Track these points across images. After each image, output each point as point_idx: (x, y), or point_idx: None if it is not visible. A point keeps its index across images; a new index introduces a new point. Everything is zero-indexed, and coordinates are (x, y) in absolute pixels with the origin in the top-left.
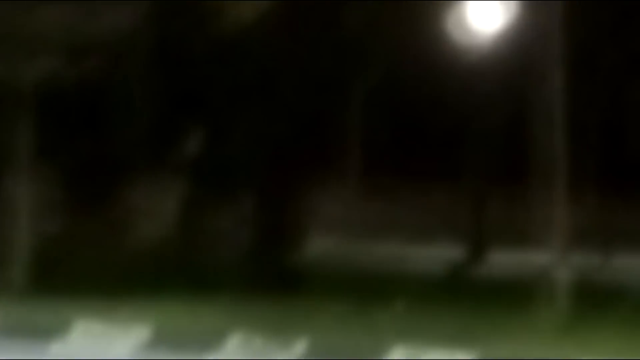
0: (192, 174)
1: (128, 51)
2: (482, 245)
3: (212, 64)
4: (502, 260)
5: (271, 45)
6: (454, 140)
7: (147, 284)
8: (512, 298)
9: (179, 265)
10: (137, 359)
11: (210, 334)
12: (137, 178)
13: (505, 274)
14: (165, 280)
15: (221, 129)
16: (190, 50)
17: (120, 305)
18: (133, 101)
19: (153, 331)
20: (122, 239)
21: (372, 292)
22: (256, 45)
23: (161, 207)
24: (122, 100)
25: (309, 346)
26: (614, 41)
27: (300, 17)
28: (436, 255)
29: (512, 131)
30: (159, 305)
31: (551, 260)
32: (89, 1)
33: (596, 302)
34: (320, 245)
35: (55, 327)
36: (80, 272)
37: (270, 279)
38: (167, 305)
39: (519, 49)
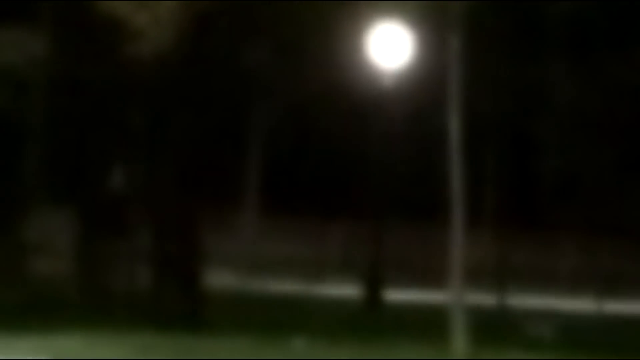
0: (89, 209)
1: (27, 83)
2: (379, 283)
3: (112, 98)
4: (400, 298)
5: (172, 80)
6: (352, 178)
7: (44, 320)
8: (409, 336)
9: (76, 301)
10: None
11: None
12: (33, 213)
13: (402, 312)
14: (63, 315)
15: (118, 163)
16: (90, 86)
17: (17, 340)
18: (29, 133)
19: None
20: (19, 275)
21: (271, 328)
22: (157, 80)
23: (58, 243)
24: (19, 132)
25: None
26: (512, 76)
27: (203, 51)
28: (334, 292)
29: (410, 171)
30: (56, 340)
31: (448, 298)
32: None
33: (492, 341)
34: (219, 282)
35: None
36: None
37: (168, 315)
38: (64, 341)
39: (418, 89)
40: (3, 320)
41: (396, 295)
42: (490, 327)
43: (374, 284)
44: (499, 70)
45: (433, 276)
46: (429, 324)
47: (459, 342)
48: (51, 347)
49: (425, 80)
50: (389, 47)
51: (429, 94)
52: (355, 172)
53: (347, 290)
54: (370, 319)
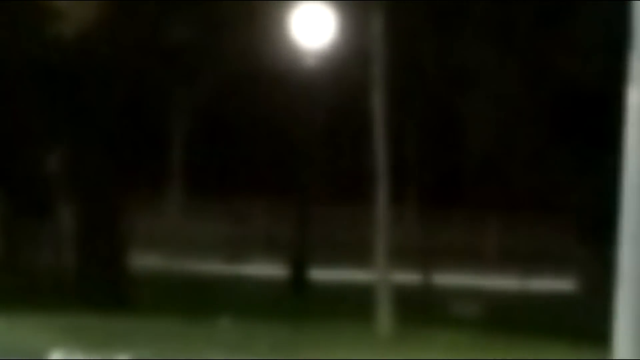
0: (12, 190)
1: None
2: (304, 262)
3: (33, 80)
4: (325, 278)
5: (92, 61)
6: (276, 158)
7: None
8: (334, 316)
9: (0, 281)
10: None
11: (33, 350)
12: None
13: (328, 291)
14: None
15: (40, 144)
16: (14, 67)
17: None
18: None
19: None
20: None
21: (195, 309)
22: (78, 60)
23: None
24: None
25: None
26: (434, 55)
27: (126, 24)
28: (259, 272)
29: (334, 150)
30: None
31: (373, 277)
32: None
33: (418, 319)
34: (143, 263)
35: None
36: None
37: (93, 296)
38: None
39: (341, 70)
40: None
41: (321, 274)
42: (416, 305)
43: (298, 264)
44: (422, 48)
45: (358, 255)
46: (354, 303)
47: (384, 320)
48: None
49: (349, 59)
50: (312, 27)
51: (352, 72)
52: (279, 151)
53: (272, 270)
54: (295, 299)
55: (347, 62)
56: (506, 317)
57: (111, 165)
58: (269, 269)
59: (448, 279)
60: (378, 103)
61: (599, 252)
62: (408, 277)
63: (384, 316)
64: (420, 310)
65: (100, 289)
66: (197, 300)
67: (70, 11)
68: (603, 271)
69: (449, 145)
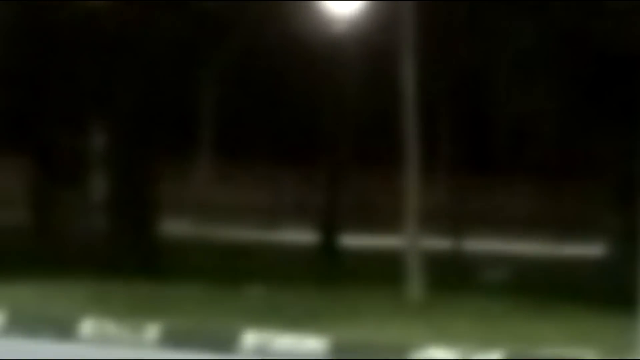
0: (43, 158)
1: None
2: (335, 229)
3: (62, 48)
4: (355, 244)
5: (120, 30)
6: (306, 125)
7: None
8: (364, 282)
9: (31, 250)
10: None
11: (64, 319)
12: None
13: (358, 258)
14: (17, 265)
15: (71, 111)
16: (39, 34)
17: None
18: None
19: (6, 317)
20: None
21: (226, 275)
22: (107, 29)
23: (11, 192)
24: None
25: (163, 330)
26: (466, 21)
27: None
28: (289, 239)
29: (364, 116)
30: (11, 290)
31: (403, 243)
32: None
33: (448, 285)
34: (174, 229)
35: None
36: None
37: (124, 263)
38: (20, 291)
39: (371, 36)
40: None
41: (352, 241)
42: (446, 271)
43: (329, 230)
44: (453, 15)
45: (388, 221)
46: (384, 270)
47: (414, 287)
48: (5, 298)
49: (379, 25)
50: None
51: (382, 39)
52: (309, 118)
53: (302, 236)
54: (325, 265)
55: (377, 29)
56: (537, 283)
57: (141, 133)
58: (299, 235)
59: (478, 245)
60: (408, 69)
61: (630, 219)
62: (438, 243)
63: (414, 282)
64: (451, 276)
65: (131, 256)
66: (227, 267)
67: None
68: (634, 237)
69: (480, 111)
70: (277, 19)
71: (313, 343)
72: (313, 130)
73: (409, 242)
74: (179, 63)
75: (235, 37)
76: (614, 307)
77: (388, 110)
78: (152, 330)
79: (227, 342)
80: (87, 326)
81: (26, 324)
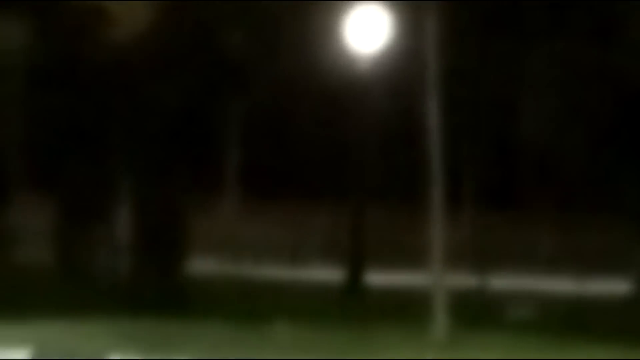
0: (70, 195)
1: (6, 70)
2: (360, 266)
3: (91, 85)
4: (380, 282)
5: (149, 66)
6: (333, 161)
7: (27, 307)
8: (390, 319)
9: (57, 288)
10: None
11: (90, 355)
12: (9, 200)
13: (383, 295)
14: (43, 303)
15: (97, 149)
16: (68, 72)
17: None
18: (8, 120)
19: (33, 353)
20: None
21: (252, 312)
22: (135, 66)
23: (39, 230)
24: (3, 118)
25: None
26: (490, 63)
27: (179, 36)
28: (315, 276)
29: (389, 154)
30: (36, 328)
31: (428, 281)
32: None
33: (473, 322)
34: (201, 266)
35: None
36: None
37: (150, 300)
38: (45, 328)
39: (396, 75)
40: None
41: (377, 278)
42: (471, 309)
43: (354, 268)
44: (477, 49)
45: (414, 259)
46: (410, 307)
47: (440, 324)
48: (31, 335)
49: (403, 61)
50: (366, 29)
51: (407, 75)
52: (335, 156)
53: (328, 274)
54: (351, 303)
55: (402, 65)
56: (562, 320)
57: (169, 171)
58: (325, 273)
59: (504, 281)
60: (433, 105)
61: None
62: (463, 280)
63: (440, 319)
64: (476, 313)
65: (157, 292)
66: (254, 304)
67: (129, 14)
68: None
69: (504, 147)
70: (302, 58)
71: None
72: (338, 168)
73: (434, 279)
74: (206, 102)
75: (263, 75)
76: None
77: (413, 147)
78: None
79: None
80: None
81: None
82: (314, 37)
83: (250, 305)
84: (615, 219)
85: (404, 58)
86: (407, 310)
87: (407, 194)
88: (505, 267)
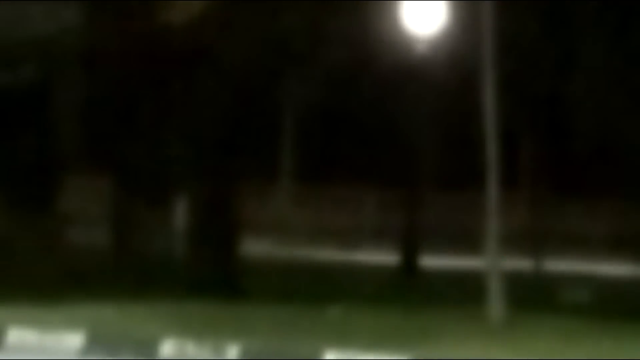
0: (125, 179)
1: (60, 54)
2: (416, 250)
3: (142, 67)
4: (436, 265)
5: (204, 47)
6: (386, 145)
7: (80, 290)
8: (446, 303)
9: (112, 270)
10: None
11: (144, 339)
12: (69, 183)
13: (439, 279)
14: (99, 285)
15: (153, 134)
16: (121, 54)
17: (53, 311)
18: (64, 105)
19: (87, 337)
20: (54, 245)
21: (307, 296)
22: (189, 47)
23: (94, 213)
24: (53, 105)
25: (243, 350)
26: (545, 44)
27: (235, 17)
28: (370, 259)
29: (445, 138)
30: (91, 311)
31: (484, 264)
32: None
33: (529, 306)
34: (254, 250)
35: None
36: (11, 278)
37: (204, 283)
38: (99, 311)
39: (451, 55)
40: (37, 291)
41: (432, 261)
42: (527, 292)
43: (409, 251)
44: (533, 35)
45: (469, 242)
46: (465, 291)
47: (495, 307)
48: (86, 318)
49: (459, 46)
50: (423, 14)
51: (463, 58)
52: (390, 139)
53: (382, 257)
54: (406, 286)
55: (458, 49)
56: (618, 303)
57: (223, 154)
58: (380, 257)
59: (560, 265)
60: (489, 89)
61: None
62: (519, 264)
63: (495, 303)
64: (532, 297)
65: (211, 277)
66: (308, 288)
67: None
68: None
69: (562, 130)
70: (355, 42)
71: None
72: (394, 152)
73: (491, 262)
74: (263, 85)
75: (318, 60)
76: None
77: (470, 131)
78: (232, 351)
79: None
80: (168, 346)
81: (107, 344)
82: (371, 20)
83: (304, 289)
84: None
85: (459, 42)
86: (462, 294)
87: (463, 177)
88: (562, 251)
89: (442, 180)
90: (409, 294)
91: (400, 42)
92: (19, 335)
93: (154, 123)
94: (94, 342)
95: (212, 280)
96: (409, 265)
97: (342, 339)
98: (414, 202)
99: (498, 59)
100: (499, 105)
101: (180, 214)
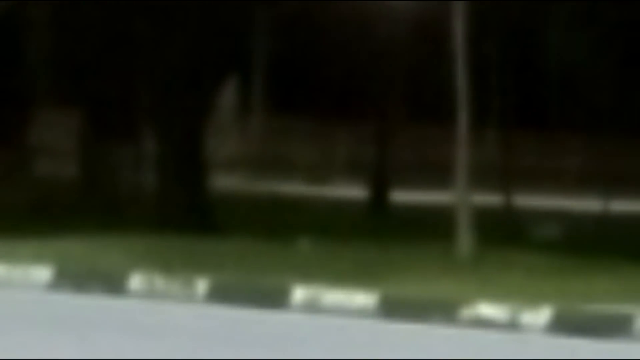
0: (92, 111)
1: None
2: (384, 184)
3: (112, 2)
4: (405, 200)
5: None
6: (357, 81)
7: (48, 224)
8: (414, 237)
9: (80, 205)
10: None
11: (113, 273)
12: (35, 116)
13: (408, 213)
14: (66, 219)
15: (123, 66)
16: None
17: (20, 245)
18: (34, 37)
19: (54, 271)
20: (22, 178)
21: (275, 231)
22: None
23: (60, 146)
24: (24, 36)
25: (212, 285)
26: None
27: None
28: (338, 194)
29: (415, 71)
30: (60, 245)
31: (453, 199)
32: None
33: (498, 242)
34: (223, 184)
35: None
36: None
37: (171, 217)
38: (68, 245)
39: None
40: (5, 225)
41: (402, 196)
42: (496, 227)
43: (379, 185)
44: None
45: (439, 177)
46: (434, 225)
47: (465, 242)
48: (54, 252)
49: None
50: None
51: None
52: (361, 74)
53: (352, 191)
54: (376, 220)
55: None
56: (588, 239)
57: (193, 86)
58: (349, 191)
59: (529, 200)
60: (459, 23)
61: None
62: (489, 199)
63: (464, 238)
64: (501, 232)
65: (181, 211)
66: (277, 223)
67: None
68: None
69: (531, 66)
70: None
71: (362, 298)
72: (363, 86)
73: (460, 197)
74: (232, 18)
75: None
76: None
77: (439, 64)
78: (201, 285)
79: (277, 297)
80: (136, 280)
81: (74, 279)
82: None
83: (274, 222)
84: None
85: None
86: (431, 228)
87: (433, 112)
88: (531, 187)
89: (412, 114)
90: (378, 227)
91: None
92: None
93: (123, 56)
94: (62, 276)
95: (181, 214)
96: (379, 198)
97: (311, 274)
98: (385, 137)
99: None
100: (468, 38)
101: (149, 147)
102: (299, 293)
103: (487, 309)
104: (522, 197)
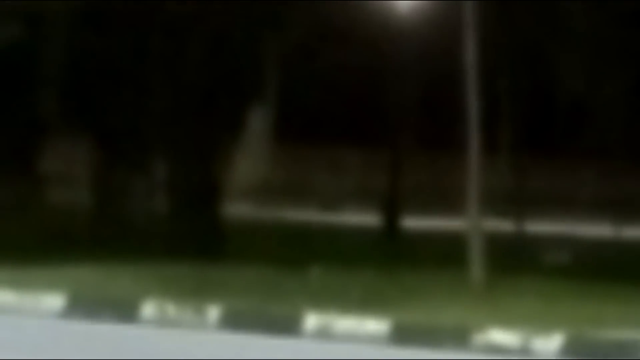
0: (104, 138)
1: (50, 12)
2: (396, 211)
3: (126, 30)
4: (417, 226)
5: (188, 14)
6: (368, 106)
7: (60, 251)
8: (426, 264)
9: (93, 232)
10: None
11: (125, 301)
12: (48, 143)
13: (420, 240)
14: (78, 246)
15: (133, 92)
16: (106, 18)
17: (33, 273)
18: (47, 65)
19: (67, 299)
20: (33, 206)
21: (288, 257)
22: (167, 11)
23: (73, 173)
24: (37, 64)
25: (224, 312)
26: (530, 9)
27: None
28: (350, 221)
29: (426, 97)
30: (72, 273)
31: (465, 225)
32: None
33: (510, 268)
34: (234, 211)
35: None
36: None
37: (184, 245)
38: (80, 273)
39: (434, 16)
40: (16, 253)
41: (413, 222)
42: (508, 253)
43: (390, 212)
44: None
45: (450, 203)
46: (446, 251)
47: (476, 268)
48: (67, 280)
49: (441, 9)
50: None
51: (444, 23)
52: (372, 100)
53: (363, 218)
54: (387, 247)
55: (440, 8)
56: (600, 265)
57: (203, 115)
58: (361, 218)
59: (541, 227)
60: (470, 49)
61: None
62: (501, 225)
63: (476, 264)
64: (513, 258)
65: (193, 238)
66: (289, 250)
67: None
68: None
69: (544, 92)
70: (339, 3)
71: (374, 325)
72: (375, 112)
73: (471, 224)
74: (241, 46)
75: (297, 18)
76: None
77: (450, 91)
78: (213, 312)
79: (289, 324)
80: (149, 308)
81: (87, 306)
82: None
83: (285, 249)
84: None
85: (441, 3)
86: (443, 254)
87: (444, 138)
88: (544, 212)
89: (424, 141)
90: (389, 254)
91: (383, 3)
92: None
93: (135, 84)
94: (74, 304)
95: (194, 241)
96: (390, 225)
97: (323, 302)
98: (396, 163)
99: (481, 20)
100: (480, 65)
101: (162, 175)
102: (311, 320)
103: (499, 335)
104: (533, 222)
